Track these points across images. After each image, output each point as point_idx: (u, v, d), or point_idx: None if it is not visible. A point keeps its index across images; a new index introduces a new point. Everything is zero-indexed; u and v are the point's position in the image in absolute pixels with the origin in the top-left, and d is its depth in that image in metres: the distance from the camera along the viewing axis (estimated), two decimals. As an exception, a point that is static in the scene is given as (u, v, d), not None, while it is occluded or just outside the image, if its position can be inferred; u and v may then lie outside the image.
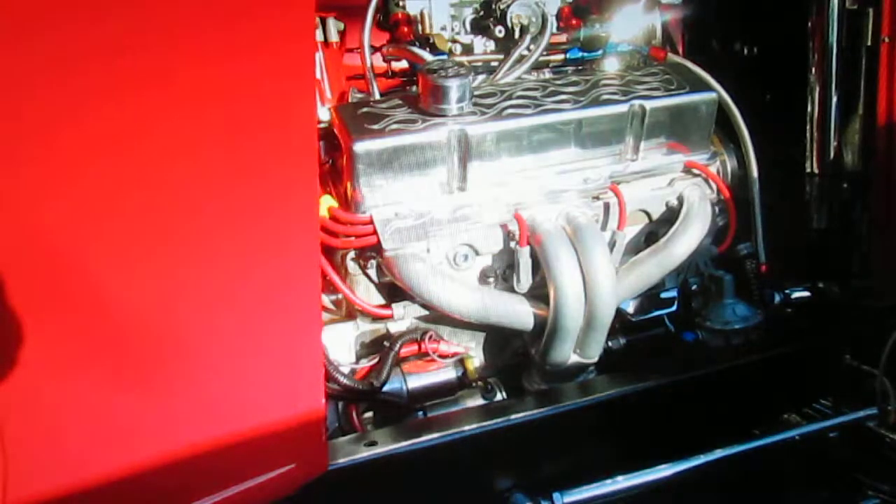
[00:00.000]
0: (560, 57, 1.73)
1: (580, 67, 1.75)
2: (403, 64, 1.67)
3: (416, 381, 1.48)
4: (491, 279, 1.47)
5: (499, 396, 1.55)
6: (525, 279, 1.45)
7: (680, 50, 1.88)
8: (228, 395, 1.14)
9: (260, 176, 1.07)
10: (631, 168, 1.53)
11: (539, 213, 1.44)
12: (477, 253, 1.45)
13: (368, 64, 1.57)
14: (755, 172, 1.63)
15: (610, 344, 1.61)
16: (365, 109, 1.39)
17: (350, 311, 1.50)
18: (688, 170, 1.58)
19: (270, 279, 1.11)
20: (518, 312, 1.45)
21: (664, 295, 1.65)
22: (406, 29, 1.65)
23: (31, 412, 1.00)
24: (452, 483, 1.39)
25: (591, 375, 1.57)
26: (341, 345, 1.48)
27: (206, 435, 1.12)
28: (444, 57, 1.59)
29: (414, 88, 1.54)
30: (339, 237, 1.37)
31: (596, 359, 1.51)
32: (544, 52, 1.62)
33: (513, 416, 1.39)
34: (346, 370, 1.42)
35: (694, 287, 1.70)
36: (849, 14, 1.60)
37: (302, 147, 1.10)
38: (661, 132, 1.52)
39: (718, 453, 1.43)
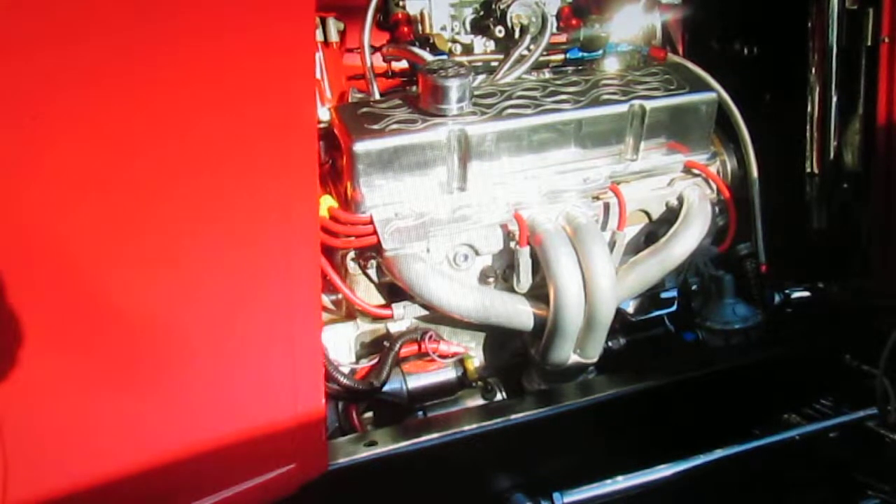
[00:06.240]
0: (560, 57, 1.73)
1: (580, 67, 1.75)
2: (403, 64, 1.67)
3: (416, 381, 1.48)
4: (491, 279, 1.47)
5: (499, 396, 1.55)
6: (525, 279, 1.45)
7: (680, 50, 1.88)
8: (229, 395, 1.14)
9: (260, 176, 1.07)
10: (631, 168, 1.53)
11: (539, 213, 1.44)
12: (477, 253, 1.45)
13: (368, 64, 1.57)
14: (755, 172, 1.63)
15: (610, 344, 1.61)
16: (365, 109, 1.39)
17: (350, 311, 1.50)
18: (688, 170, 1.58)
19: (271, 279, 1.12)
20: (518, 312, 1.45)
21: (664, 295, 1.65)
22: (406, 29, 1.65)
23: (32, 412, 1.00)
24: (452, 483, 1.39)
25: (591, 375, 1.57)
26: (341, 345, 1.48)
27: (206, 435, 1.12)
28: (444, 57, 1.59)
29: (414, 88, 1.54)
30: (339, 237, 1.37)
31: (596, 359, 1.51)
32: (544, 52, 1.62)
33: (513, 416, 1.39)
34: (346, 370, 1.42)
35: (694, 287, 1.70)
36: (849, 14, 1.60)
37: (302, 147, 1.10)
38: (661, 132, 1.52)
39: (718, 453, 1.43)
